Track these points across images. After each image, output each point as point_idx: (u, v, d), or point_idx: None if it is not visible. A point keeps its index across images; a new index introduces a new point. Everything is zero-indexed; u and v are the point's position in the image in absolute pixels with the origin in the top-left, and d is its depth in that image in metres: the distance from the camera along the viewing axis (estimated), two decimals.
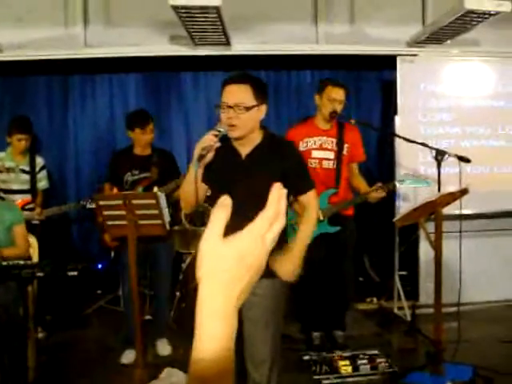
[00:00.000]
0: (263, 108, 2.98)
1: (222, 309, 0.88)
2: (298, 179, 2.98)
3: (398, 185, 4.78)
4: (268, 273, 2.98)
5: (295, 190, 3.01)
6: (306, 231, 3.03)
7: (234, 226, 2.74)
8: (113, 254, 5.53)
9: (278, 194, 0.92)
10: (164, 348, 4.73)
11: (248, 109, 2.88)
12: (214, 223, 0.91)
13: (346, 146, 4.72)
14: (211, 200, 3.15)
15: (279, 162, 2.91)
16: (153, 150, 4.74)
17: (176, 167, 4.79)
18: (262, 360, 3.03)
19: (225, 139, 2.95)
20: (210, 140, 2.79)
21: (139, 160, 4.65)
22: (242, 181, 2.83)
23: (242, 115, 2.87)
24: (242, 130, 2.90)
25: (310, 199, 3.05)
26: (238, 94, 2.89)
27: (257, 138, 2.99)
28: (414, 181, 4.82)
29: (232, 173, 2.85)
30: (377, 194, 4.57)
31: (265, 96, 3.00)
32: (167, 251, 4.77)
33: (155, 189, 4.37)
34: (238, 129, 2.89)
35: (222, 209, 0.92)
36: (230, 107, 2.86)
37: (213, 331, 0.87)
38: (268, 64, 6.35)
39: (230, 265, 0.89)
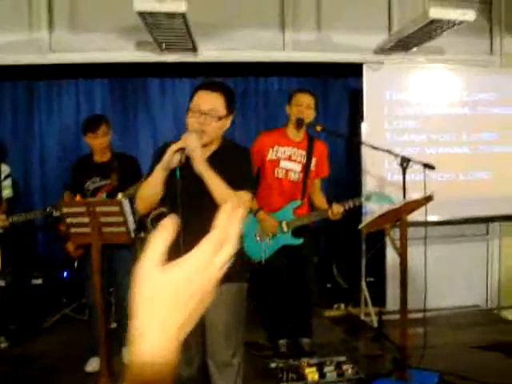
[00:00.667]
0: (230, 119, 3.01)
1: (160, 343, 0.82)
2: (238, 177, 2.92)
3: (363, 201, 4.81)
4: (226, 277, 3.02)
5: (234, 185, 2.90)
6: (224, 187, 2.84)
7: (191, 235, 2.74)
8: (76, 263, 5.46)
9: (227, 215, 0.87)
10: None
11: (220, 118, 2.90)
12: (153, 249, 0.84)
13: (313, 160, 4.73)
14: (168, 207, 3.15)
15: (230, 167, 2.89)
16: (112, 155, 4.67)
17: (137, 171, 4.66)
18: (224, 363, 3.06)
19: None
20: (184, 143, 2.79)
21: (99, 167, 4.57)
22: (196, 187, 2.82)
23: (214, 123, 2.88)
24: (208, 138, 2.91)
25: (241, 197, 2.92)
26: (212, 101, 2.90)
27: (214, 145, 3.00)
28: (379, 198, 4.85)
29: (187, 180, 2.82)
30: (335, 209, 4.57)
31: (233, 107, 3.03)
32: (129, 258, 4.63)
33: (119, 195, 4.32)
34: (206, 135, 2.89)
35: (163, 233, 0.85)
36: (202, 114, 2.87)
37: (152, 361, 0.81)
38: (235, 71, 6.35)
39: (169, 293, 0.83)
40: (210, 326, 3.05)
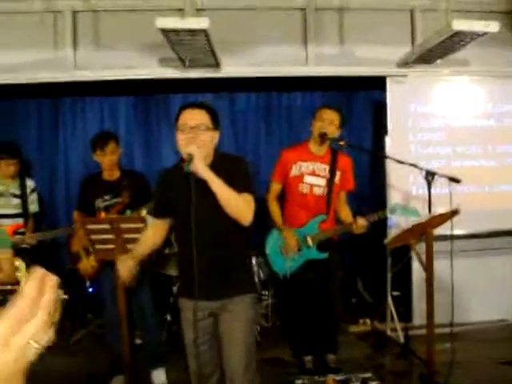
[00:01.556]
0: (217, 134, 3.09)
1: None
2: (238, 182, 2.97)
3: (388, 214, 4.75)
4: (238, 291, 3.06)
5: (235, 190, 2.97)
6: (229, 190, 2.92)
7: (205, 243, 2.74)
8: (88, 283, 5.48)
9: (37, 283, 0.75)
10: (159, 377, 4.62)
11: (208, 129, 2.98)
12: None
13: (338, 173, 4.72)
14: (175, 229, 3.28)
15: (228, 175, 2.95)
16: (122, 173, 4.67)
17: (147, 189, 4.64)
18: (242, 373, 3.07)
19: (175, 168, 3.15)
20: None
21: (109, 185, 4.57)
22: (198, 203, 2.84)
23: (203, 135, 2.95)
24: (202, 151, 2.93)
25: (245, 198, 3.00)
26: (198, 116, 3.00)
27: (207, 160, 3.03)
28: (404, 211, 4.79)
29: (187, 198, 2.85)
30: (359, 222, 4.54)
31: (218, 124, 3.10)
32: (144, 274, 4.61)
33: (143, 212, 4.33)
34: (200, 148, 2.92)
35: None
36: (191, 128, 2.94)
37: None
38: (258, 86, 6.36)
39: None
40: (223, 341, 3.10)
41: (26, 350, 0.74)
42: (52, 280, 0.76)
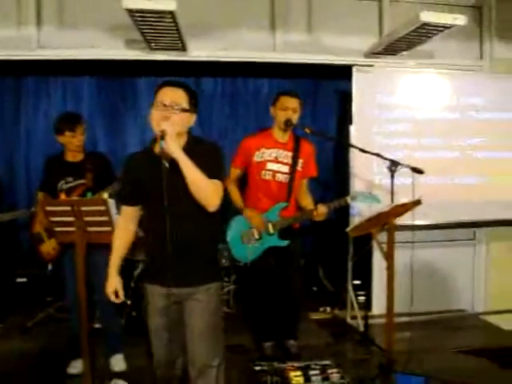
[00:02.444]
0: (193, 117, 3.02)
1: None
2: (209, 167, 2.88)
3: (348, 201, 4.75)
4: (207, 278, 3.01)
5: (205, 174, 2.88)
6: (201, 175, 2.82)
7: (175, 227, 2.68)
8: (50, 266, 5.39)
9: None
10: (118, 364, 4.56)
11: (183, 110, 2.90)
12: None
13: (300, 160, 4.70)
14: (145, 209, 3.14)
15: (200, 159, 2.86)
16: (86, 154, 4.56)
17: (111, 171, 4.58)
18: (206, 364, 3.04)
19: (143, 152, 3.10)
20: None
21: (72, 166, 4.46)
22: (169, 187, 2.79)
23: (176, 116, 2.87)
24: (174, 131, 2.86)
25: (215, 183, 2.91)
26: (175, 95, 2.92)
27: (181, 143, 2.95)
28: (365, 198, 4.80)
29: (159, 181, 2.80)
30: (320, 209, 4.55)
31: (196, 106, 3.03)
32: (107, 258, 4.53)
33: (104, 195, 4.26)
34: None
35: None
36: (165, 106, 2.87)
37: None
38: (225, 71, 6.32)
39: None
40: (189, 328, 3.05)
41: None
42: None
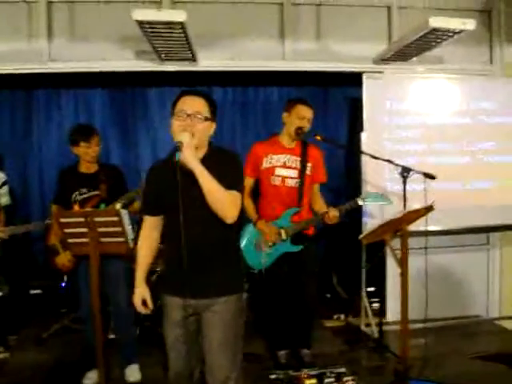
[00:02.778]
0: (214, 126, 3.01)
1: None
2: (228, 178, 2.87)
3: (359, 202, 4.74)
4: (225, 290, 2.98)
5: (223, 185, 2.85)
6: (216, 184, 2.80)
7: (193, 238, 2.66)
8: (65, 277, 5.40)
9: None
10: (133, 374, 4.58)
11: (206, 119, 2.90)
12: None
13: (309, 164, 4.71)
14: (166, 222, 3.13)
15: (220, 170, 2.85)
16: (99, 166, 4.59)
17: (124, 183, 4.62)
18: (226, 376, 3.00)
19: (164, 160, 3.04)
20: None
21: (86, 177, 4.49)
22: (186, 198, 2.79)
23: (199, 124, 2.87)
24: (196, 140, 2.86)
25: (233, 194, 2.89)
26: (196, 104, 2.90)
27: (201, 151, 2.96)
28: (376, 198, 4.79)
29: (176, 192, 2.79)
30: (331, 213, 4.54)
31: (215, 115, 3.02)
32: (120, 268, 4.53)
33: (117, 205, 4.28)
34: (194, 137, 2.84)
35: None
36: (188, 115, 2.85)
37: None
38: (235, 80, 6.35)
39: None
40: (207, 340, 3.02)
41: None
42: None
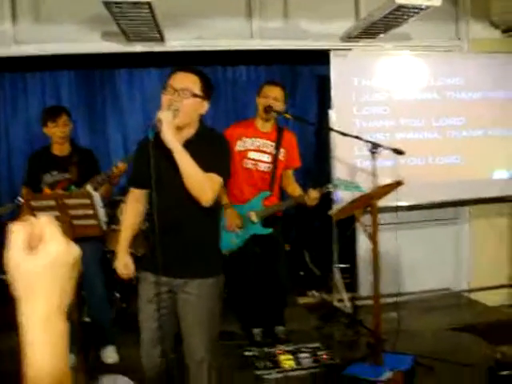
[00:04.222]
0: (206, 104, 2.98)
1: (45, 321, 0.87)
2: (212, 160, 2.88)
3: (331, 189, 4.78)
4: (200, 272, 2.99)
5: (206, 167, 2.85)
6: (193, 165, 2.79)
7: (172, 217, 2.68)
8: None
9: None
10: (110, 356, 4.59)
11: (194, 95, 2.87)
12: (15, 238, 0.86)
13: (282, 150, 4.74)
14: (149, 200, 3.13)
15: (206, 151, 2.86)
16: (72, 149, 4.56)
17: (95, 165, 4.58)
18: (201, 357, 3.03)
19: (156, 137, 2.96)
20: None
21: (58, 160, 4.45)
22: (166, 177, 2.82)
23: (186, 100, 2.85)
24: (182, 117, 2.85)
25: (212, 178, 2.88)
26: (187, 80, 2.90)
27: (191, 131, 2.96)
28: (347, 186, 4.82)
29: (164, 168, 2.82)
30: (312, 194, 4.56)
31: (210, 94, 3.00)
32: (95, 250, 4.53)
33: (88, 187, 4.25)
34: (179, 114, 2.83)
35: (21, 224, 0.87)
36: (176, 91, 2.85)
37: (42, 348, 0.86)
38: (203, 60, 6.32)
39: (43, 275, 0.86)
40: (182, 321, 3.06)
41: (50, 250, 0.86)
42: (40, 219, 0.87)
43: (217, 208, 3.06)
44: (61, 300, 0.89)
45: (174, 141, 2.75)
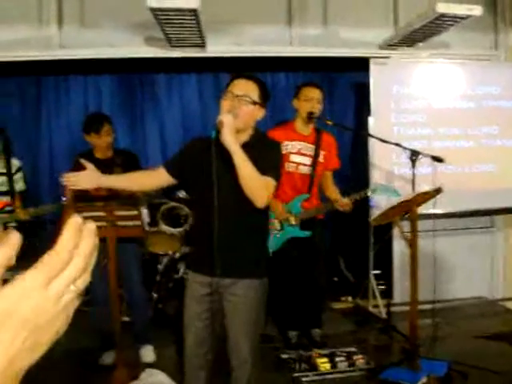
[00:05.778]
0: (262, 111, 3.05)
1: None
2: (266, 164, 2.93)
3: (369, 194, 4.82)
4: (248, 273, 3.06)
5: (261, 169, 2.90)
6: (251, 167, 2.83)
7: (224, 217, 2.73)
8: None
9: (75, 231, 0.73)
10: (148, 355, 4.66)
11: (253, 102, 2.95)
12: None
13: (322, 152, 4.79)
14: (194, 196, 3.24)
15: (260, 156, 2.91)
16: (115, 152, 4.64)
17: (139, 168, 4.60)
18: (245, 358, 3.08)
19: (207, 138, 3.04)
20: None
21: (101, 163, 4.50)
22: (219, 178, 2.87)
23: (245, 107, 2.93)
24: (240, 122, 2.91)
25: (267, 180, 2.93)
26: (247, 87, 2.97)
27: (246, 136, 3.03)
28: (385, 190, 4.86)
29: (209, 170, 2.87)
30: (345, 201, 4.61)
31: (267, 101, 3.08)
32: (135, 251, 4.62)
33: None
34: (238, 119, 2.90)
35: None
36: (236, 96, 2.92)
37: None
38: (242, 66, 6.39)
39: None
40: (228, 322, 3.10)
41: (65, 294, 0.70)
42: (89, 227, 0.73)
43: (267, 210, 3.12)
44: (10, 357, 0.67)
45: (234, 142, 2.80)
